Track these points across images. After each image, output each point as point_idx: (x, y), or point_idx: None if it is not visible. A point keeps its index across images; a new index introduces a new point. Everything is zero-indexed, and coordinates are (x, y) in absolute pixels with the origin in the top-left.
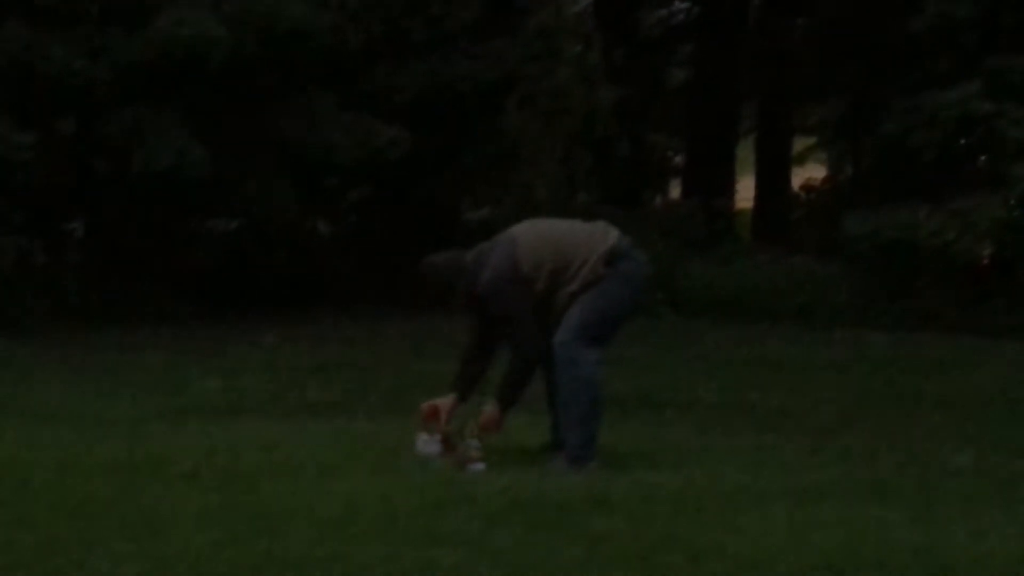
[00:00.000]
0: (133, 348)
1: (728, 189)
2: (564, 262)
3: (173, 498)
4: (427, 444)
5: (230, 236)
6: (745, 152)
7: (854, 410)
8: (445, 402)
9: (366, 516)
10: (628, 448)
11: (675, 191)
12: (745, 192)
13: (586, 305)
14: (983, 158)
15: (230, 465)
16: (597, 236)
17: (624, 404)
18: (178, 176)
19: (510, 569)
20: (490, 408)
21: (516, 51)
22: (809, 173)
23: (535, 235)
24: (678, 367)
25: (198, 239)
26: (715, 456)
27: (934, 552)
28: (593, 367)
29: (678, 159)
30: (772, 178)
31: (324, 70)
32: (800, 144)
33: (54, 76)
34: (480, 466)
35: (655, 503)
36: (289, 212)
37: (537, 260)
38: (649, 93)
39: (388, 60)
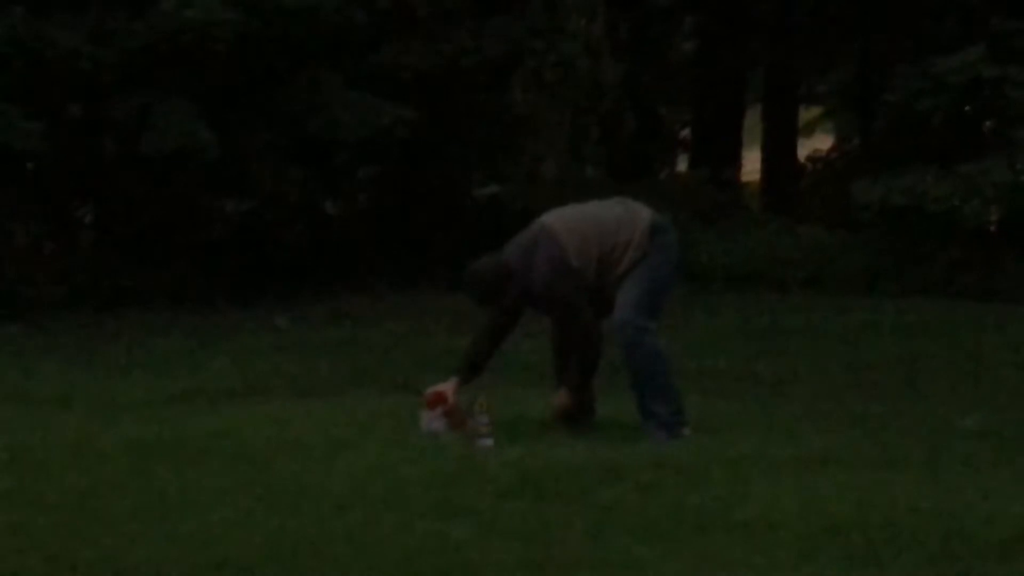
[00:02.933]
0: (144, 331)
1: (735, 160)
2: (609, 246)
3: (186, 478)
4: (431, 421)
5: (240, 217)
6: (752, 123)
7: (863, 376)
8: (448, 385)
9: (377, 491)
10: (636, 418)
11: (682, 163)
12: (752, 163)
13: (636, 282)
14: (989, 122)
15: (242, 444)
16: (631, 214)
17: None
18: (187, 158)
19: (521, 541)
20: (562, 395)
21: (521, 26)
22: (816, 144)
23: (572, 226)
24: (688, 337)
25: (208, 221)
26: (724, 424)
27: (943, 515)
28: (655, 338)
29: (685, 131)
30: (779, 148)
31: (330, 49)
32: (807, 114)
33: (61, 61)
34: (489, 441)
35: (664, 472)
36: (298, 192)
37: (583, 251)
38: (655, 66)
39: (394, 38)
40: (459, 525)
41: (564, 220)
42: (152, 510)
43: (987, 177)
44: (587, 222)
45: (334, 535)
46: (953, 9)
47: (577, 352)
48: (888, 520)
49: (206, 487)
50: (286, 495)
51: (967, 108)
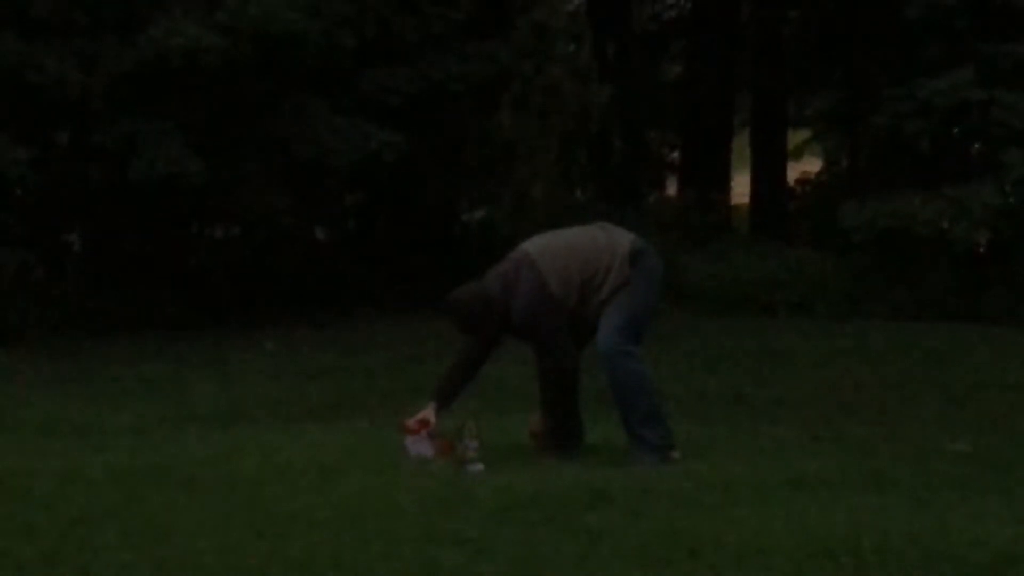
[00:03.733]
0: (133, 357)
1: (724, 183)
2: (590, 273)
3: (175, 505)
4: (416, 444)
5: (228, 243)
6: (741, 146)
7: (852, 399)
8: (427, 411)
9: (367, 518)
10: (625, 442)
11: (671, 186)
12: (741, 186)
13: (619, 308)
14: (977, 145)
15: (231, 471)
16: (612, 240)
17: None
18: (175, 184)
19: (511, 567)
20: (538, 418)
21: (509, 50)
22: (805, 167)
23: (553, 254)
24: (677, 360)
25: (196, 247)
26: (714, 448)
27: (932, 538)
28: (639, 363)
29: (674, 155)
30: (768, 171)
31: (317, 75)
32: (795, 137)
33: (48, 87)
34: (479, 466)
35: (654, 496)
36: (287, 217)
37: (565, 279)
38: (643, 89)
39: (381, 63)
40: (449, 551)
41: (545, 249)
42: (141, 537)
43: (975, 200)
44: (569, 250)
45: (323, 562)
46: (940, 32)
47: (546, 376)
48: (879, 544)
49: (195, 514)
50: (275, 522)
51: (955, 131)
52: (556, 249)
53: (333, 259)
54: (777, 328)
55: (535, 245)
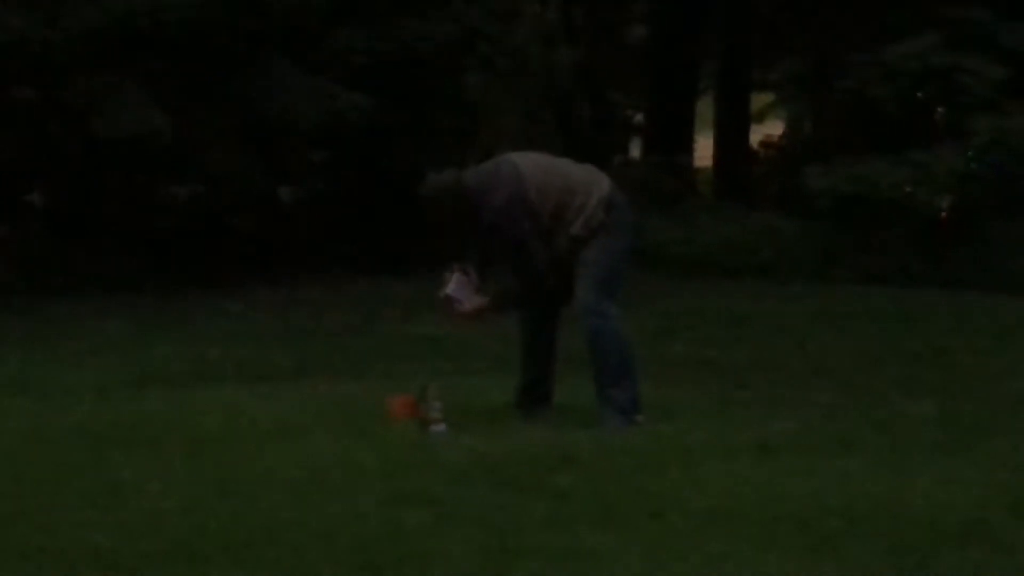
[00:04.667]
0: (96, 317)
1: (688, 147)
2: (566, 199)
3: (138, 465)
4: (458, 288)
5: (193, 202)
6: (703, 109)
7: (817, 363)
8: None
9: (331, 478)
10: (592, 404)
11: (636, 149)
12: (705, 150)
13: (594, 264)
14: (942, 110)
15: (195, 431)
16: (593, 179)
17: (586, 361)
18: (139, 143)
19: (475, 528)
20: (480, 300)
21: (475, 11)
22: (769, 130)
23: (536, 166)
24: (642, 323)
25: (160, 206)
26: (679, 411)
27: (899, 501)
28: (618, 323)
29: (638, 117)
30: (732, 135)
31: (284, 34)
32: (759, 101)
33: (11, 44)
34: (442, 428)
35: (619, 459)
36: (251, 177)
37: (543, 191)
38: (608, 52)
39: (348, 23)
40: (413, 512)
41: (530, 159)
42: (105, 497)
43: (939, 165)
44: (552, 167)
45: (287, 523)
46: None
47: (519, 282)
48: (846, 507)
49: (159, 474)
50: (239, 482)
51: (919, 96)
52: (539, 163)
53: (298, 220)
54: (741, 292)
55: (520, 155)
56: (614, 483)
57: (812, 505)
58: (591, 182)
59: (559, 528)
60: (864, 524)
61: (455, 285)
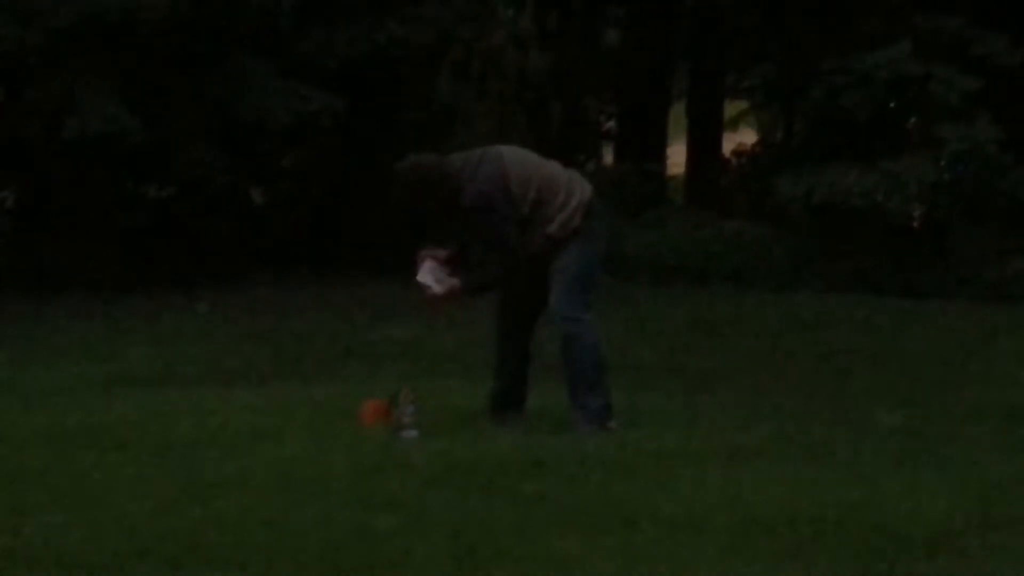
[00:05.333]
0: (66, 317)
1: (660, 154)
2: (547, 196)
3: (108, 467)
4: (426, 272)
5: (164, 203)
6: (676, 116)
7: (787, 371)
8: (442, 253)
9: (301, 481)
10: (563, 410)
11: (608, 156)
12: (678, 157)
13: (568, 271)
14: (914, 119)
15: (164, 433)
16: (575, 182)
17: (559, 367)
18: (110, 143)
19: (445, 532)
20: (452, 283)
21: (449, 15)
22: (743, 138)
23: (521, 159)
24: (613, 330)
25: (131, 206)
26: (649, 418)
27: (866, 509)
28: (592, 330)
29: (611, 123)
30: (704, 142)
31: (257, 35)
32: (732, 109)
33: None
34: (414, 432)
35: (589, 465)
36: (223, 178)
37: (524, 184)
38: (582, 57)
39: (321, 25)
40: (383, 516)
41: (515, 152)
42: (73, 498)
43: (910, 174)
44: (536, 164)
45: (256, 525)
46: (879, 6)
47: (485, 268)
48: (814, 515)
49: (128, 475)
50: (209, 484)
51: (892, 104)
52: (526, 157)
53: (269, 221)
54: (712, 299)
55: (506, 147)
56: (585, 489)
57: (781, 512)
58: (574, 185)
59: (529, 533)
60: (832, 531)
61: (424, 271)
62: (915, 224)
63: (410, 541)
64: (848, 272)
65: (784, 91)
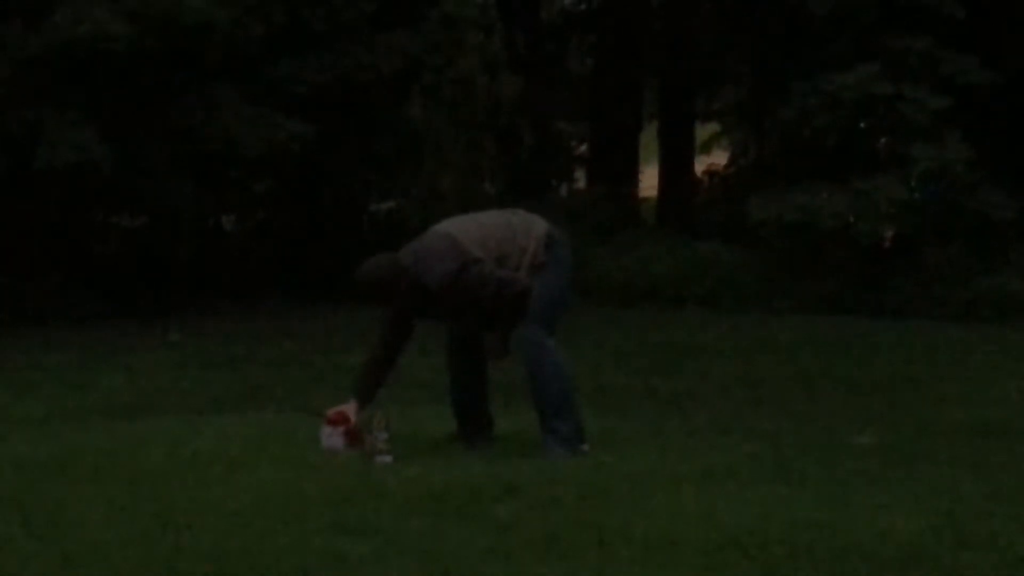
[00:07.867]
0: (37, 347)
1: (632, 176)
2: (507, 250)
3: (81, 496)
4: (330, 437)
5: (135, 232)
6: (648, 139)
7: (759, 392)
8: (349, 407)
9: (275, 509)
10: (535, 434)
11: (581, 179)
12: (649, 179)
13: (534, 298)
14: (884, 139)
15: (137, 462)
16: (527, 223)
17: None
18: (81, 172)
19: (419, 558)
20: (494, 339)
21: (419, 41)
22: (715, 160)
23: (468, 229)
24: (586, 353)
25: (102, 236)
26: (622, 440)
27: (839, 529)
28: (557, 354)
29: (583, 147)
30: (676, 165)
31: (226, 63)
32: (704, 132)
33: None
34: (388, 458)
35: (562, 488)
36: (193, 207)
37: (484, 242)
38: (553, 82)
39: (290, 52)
40: (357, 543)
41: (459, 224)
42: (46, 528)
43: (881, 194)
44: (483, 227)
45: (230, 553)
46: (847, 27)
47: (513, 307)
48: (787, 535)
49: (101, 505)
50: (182, 513)
51: (862, 125)
52: (470, 225)
53: (240, 249)
54: (685, 321)
55: (449, 223)
56: (558, 513)
57: (755, 533)
58: (526, 227)
59: (502, 558)
60: (806, 552)
61: (325, 436)
62: (886, 244)
63: (385, 567)
64: (820, 292)
65: (754, 112)
